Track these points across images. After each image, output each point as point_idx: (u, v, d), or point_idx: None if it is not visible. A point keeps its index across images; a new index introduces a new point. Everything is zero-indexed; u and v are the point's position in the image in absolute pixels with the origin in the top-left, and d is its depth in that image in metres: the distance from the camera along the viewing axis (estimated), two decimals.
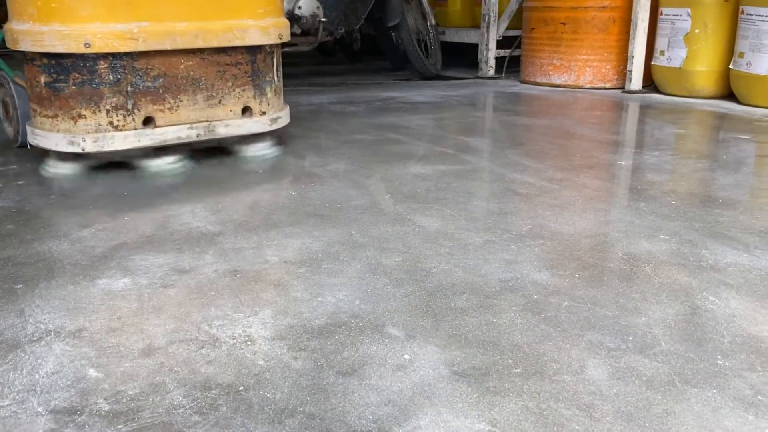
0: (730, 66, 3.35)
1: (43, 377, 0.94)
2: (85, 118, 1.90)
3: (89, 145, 1.91)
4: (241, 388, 0.92)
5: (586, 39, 3.85)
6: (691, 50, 3.47)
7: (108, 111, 1.91)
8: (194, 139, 2.07)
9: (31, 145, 2.05)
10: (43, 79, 1.88)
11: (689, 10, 3.43)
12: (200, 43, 1.99)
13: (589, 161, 2.20)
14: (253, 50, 2.13)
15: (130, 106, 1.93)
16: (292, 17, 3.44)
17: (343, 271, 1.31)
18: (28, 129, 2.02)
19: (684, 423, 0.85)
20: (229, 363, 0.98)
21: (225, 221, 1.59)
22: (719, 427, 0.85)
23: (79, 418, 0.85)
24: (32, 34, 1.83)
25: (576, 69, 3.91)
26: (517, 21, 4.40)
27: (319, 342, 1.04)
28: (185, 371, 0.96)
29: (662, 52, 3.62)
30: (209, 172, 2.05)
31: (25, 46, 1.85)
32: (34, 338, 1.05)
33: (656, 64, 3.67)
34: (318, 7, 3.53)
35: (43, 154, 2.05)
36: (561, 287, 1.25)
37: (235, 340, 1.05)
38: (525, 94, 3.74)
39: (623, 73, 3.82)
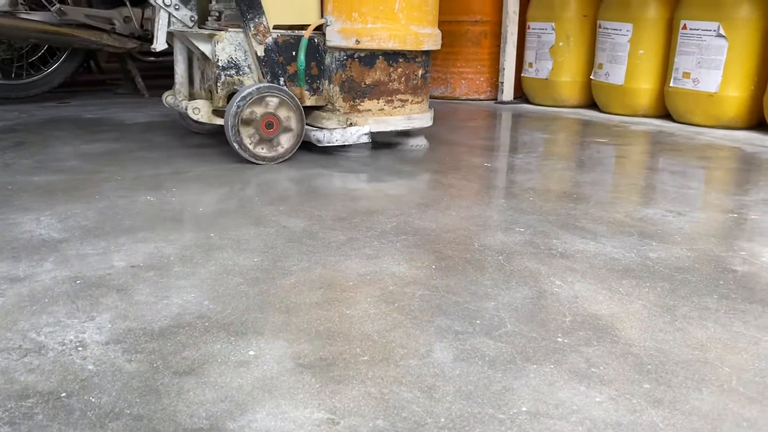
0: (591, 76, 3.57)
1: None
2: (428, 98, 2.48)
3: (431, 119, 2.52)
4: (63, 394, 0.85)
5: (461, 52, 3.99)
6: (556, 62, 3.67)
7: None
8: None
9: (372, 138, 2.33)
10: (420, 72, 2.39)
11: (553, 24, 3.63)
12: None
13: (458, 164, 2.26)
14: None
15: None
16: None
17: (196, 273, 1.25)
18: (378, 121, 2.31)
19: (520, 397, 0.87)
20: (54, 370, 0.90)
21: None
22: (553, 399, 0.87)
23: None
24: (434, 36, 2.38)
25: (452, 81, 4.03)
26: None
27: (158, 344, 0.99)
28: (1, 381, 0.87)
29: (531, 64, 3.80)
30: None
31: (428, 45, 2.35)
32: None
33: (526, 75, 3.85)
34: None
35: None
36: (418, 278, 1.25)
37: (65, 347, 0.97)
38: None
39: (496, 85, 3.98)
